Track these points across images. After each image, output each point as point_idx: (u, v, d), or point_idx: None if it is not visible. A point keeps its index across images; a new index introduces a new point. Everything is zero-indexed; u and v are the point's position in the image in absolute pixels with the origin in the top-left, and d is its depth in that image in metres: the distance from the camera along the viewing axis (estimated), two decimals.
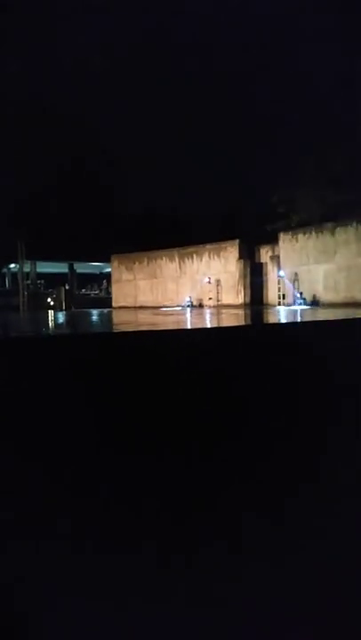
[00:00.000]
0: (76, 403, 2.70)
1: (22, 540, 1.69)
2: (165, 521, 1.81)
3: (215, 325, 7.01)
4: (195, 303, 21.16)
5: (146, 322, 8.39)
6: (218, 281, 20.87)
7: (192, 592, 1.48)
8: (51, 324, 8.39)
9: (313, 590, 1.51)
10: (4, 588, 1.54)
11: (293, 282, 18.29)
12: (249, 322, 8.13)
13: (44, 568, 1.58)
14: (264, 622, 1.40)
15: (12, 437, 2.24)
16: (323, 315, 9.81)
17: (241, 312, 13.02)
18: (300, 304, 17.34)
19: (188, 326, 6.98)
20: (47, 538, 1.68)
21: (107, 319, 11.20)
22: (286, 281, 18.60)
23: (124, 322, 8.90)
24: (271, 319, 9.00)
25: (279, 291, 18.78)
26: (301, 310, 13.44)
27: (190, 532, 1.76)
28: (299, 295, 17.80)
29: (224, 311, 14.31)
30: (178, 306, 21.11)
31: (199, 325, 7.27)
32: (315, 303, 17.24)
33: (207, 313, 13.47)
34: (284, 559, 1.64)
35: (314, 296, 17.46)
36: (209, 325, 7.01)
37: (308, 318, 8.70)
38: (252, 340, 4.48)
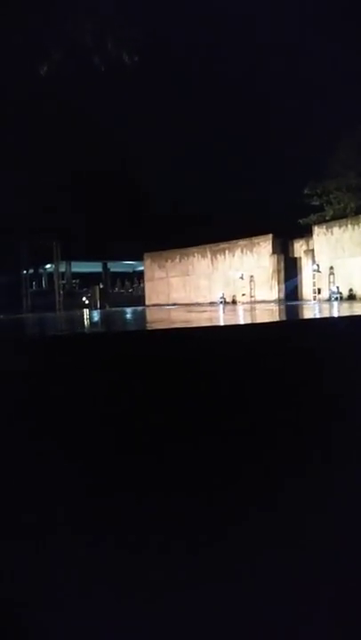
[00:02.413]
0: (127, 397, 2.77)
1: (23, 539, 1.73)
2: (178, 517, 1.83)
3: (247, 322, 6.97)
4: (228, 299, 21.06)
5: (180, 319, 8.43)
6: (251, 276, 20.68)
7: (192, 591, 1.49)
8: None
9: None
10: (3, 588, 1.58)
11: (329, 276, 17.91)
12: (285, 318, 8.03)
13: (45, 565, 1.62)
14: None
15: (57, 436, 2.31)
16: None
17: (275, 308, 12.86)
18: (337, 298, 16.97)
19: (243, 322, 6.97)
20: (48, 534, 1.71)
21: (142, 317, 11.33)
22: (321, 275, 18.22)
23: (157, 320, 8.99)
24: (309, 315, 8.86)
25: (314, 285, 18.41)
26: (339, 305, 13.15)
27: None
28: (335, 289, 17.41)
29: (258, 307, 14.19)
30: (211, 302, 21.07)
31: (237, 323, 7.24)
32: (351, 297, 16.83)
33: (240, 309, 13.38)
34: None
35: (350, 290, 17.05)
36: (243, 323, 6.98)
37: (346, 313, 8.52)
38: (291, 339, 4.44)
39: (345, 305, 13.01)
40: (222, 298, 21.11)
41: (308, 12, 14.66)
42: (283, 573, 1.45)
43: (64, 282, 28.52)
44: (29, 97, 12.10)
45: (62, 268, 28.09)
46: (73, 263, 29.91)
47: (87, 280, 29.84)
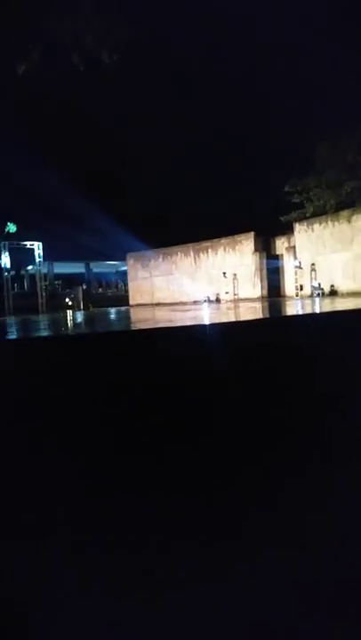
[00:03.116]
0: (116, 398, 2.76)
1: (24, 539, 1.73)
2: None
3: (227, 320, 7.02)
4: (211, 298, 21.14)
5: (165, 319, 8.45)
6: (234, 275, 20.80)
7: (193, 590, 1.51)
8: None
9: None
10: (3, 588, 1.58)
11: (311, 272, 18.12)
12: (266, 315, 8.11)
13: (45, 563, 1.62)
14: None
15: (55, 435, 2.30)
16: (341, 305, 9.72)
17: (258, 305, 12.97)
18: (318, 294, 17.18)
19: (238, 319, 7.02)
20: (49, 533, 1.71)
21: (125, 317, 11.30)
22: (303, 271, 18.43)
23: (141, 319, 8.99)
24: (291, 311, 8.96)
25: (296, 282, 18.62)
26: (321, 301, 13.32)
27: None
28: (317, 285, 17.63)
29: (242, 305, 14.27)
30: (195, 301, 21.13)
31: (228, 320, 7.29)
32: (333, 293, 17.07)
33: (224, 308, 13.46)
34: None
35: (332, 286, 17.29)
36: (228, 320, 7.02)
37: (326, 309, 8.64)
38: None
39: (327, 301, 13.19)
40: (206, 296, 21.19)
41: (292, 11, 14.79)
42: (282, 573, 1.46)
43: (47, 283, 28.23)
44: (14, 95, 11.99)
45: (44, 269, 27.81)
46: (55, 264, 29.63)
47: (70, 281, 29.61)
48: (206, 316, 8.85)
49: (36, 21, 8.72)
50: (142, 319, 8.92)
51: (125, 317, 10.92)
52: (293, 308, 9.76)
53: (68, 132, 18.96)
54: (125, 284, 27.70)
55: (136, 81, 17.51)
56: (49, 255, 26.00)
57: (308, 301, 13.69)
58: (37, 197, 21.82)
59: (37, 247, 23.73)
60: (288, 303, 13.39)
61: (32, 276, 28.68)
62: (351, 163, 17.52)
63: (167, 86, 18.80)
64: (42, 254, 24.19)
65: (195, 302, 20.74)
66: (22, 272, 30.39)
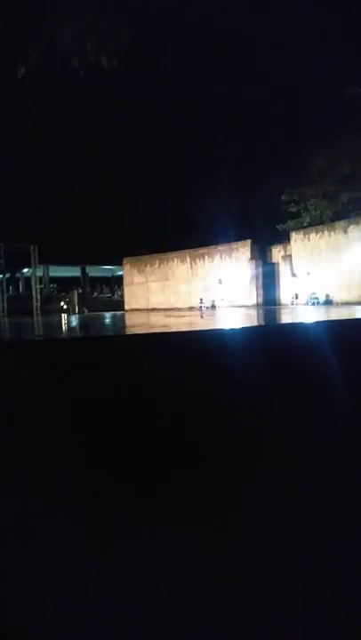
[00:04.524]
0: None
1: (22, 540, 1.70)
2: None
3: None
4: (207, 304, 21.16)
5: (160, 324, 8.43)
6: (230, 282, 20.85)
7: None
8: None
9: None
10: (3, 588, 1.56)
11: (306, 281, 18.20)
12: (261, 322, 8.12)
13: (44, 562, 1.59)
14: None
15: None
16: (336, 314, 9.75)
17: (254, 313, 12.99)
18: (314, 303, 17.25)
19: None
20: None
21: (121, 322, 11.27)
22: (299, 280, 18.51)
23: (135, 325, 8.97)
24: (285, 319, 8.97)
25: (292, 290, 18.69)
26: (316, 310, 13.36)
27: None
28: (312, 295, 17.71)
29: (237, 312, 14.28)
30: (190, 307, 21.14)
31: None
32: (328, 302, 17.14)
33: (219, 314, 13.47)
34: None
35: (327, 295, 17.36)
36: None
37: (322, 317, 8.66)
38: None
39: (322, 310, 13.24)
40: (201, 303, 21.21)
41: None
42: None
43: (42, 286, 28.16)
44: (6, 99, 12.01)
45: (40, 272, 27.75)
46: (51, 267, 29.58)
47: (66, 284, 29.55)
48: (199, 323, 8.84)
49: (35, 25, 8.79)
50: (131, 325, 8.90)
51: (116, 323, 10.89)
52: (289, 317, 9.78)
53: (64, 135, 19.00)
54: (121, 289, 27.68)
55: (133, 88, 17.62)
56: (44, 258, 25.96)
57: (302, 310, 13.74)
58: (31, 198, 21.80)
59: (33, 250, 23.70)
60: (284, 311, 13.42)
61: (27, 279, 28.62)
62: (348, 174, 17.70)
63: (164, 95, 18.93)
64: (37, 257, 24.15)
65: (190, 308, 20.75)
66: (17, 275, 30.32)
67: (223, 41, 15.91)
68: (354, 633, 1.32)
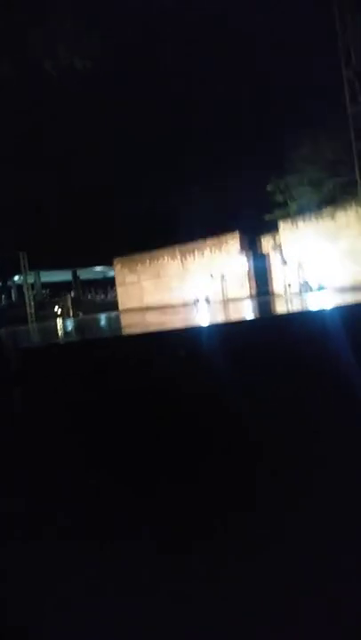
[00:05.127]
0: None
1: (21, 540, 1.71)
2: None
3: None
4: (201, 299, 21.19)
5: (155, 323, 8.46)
6: (222, 275, 20.88)
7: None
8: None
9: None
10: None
11: (298, 270, 18.28)
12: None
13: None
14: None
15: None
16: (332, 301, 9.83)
17: (246, 305, 13.06)
18: (307, 291, 17.33)
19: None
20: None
21: (116, 323, 11.30)
22: (290, 270, 18.57)
23: (132, 324, 9.00)
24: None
25: (285, 280, 18.74)
26: (310, 298, 13.45)
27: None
28: (305, 283, 17.78)
29: (232, 306, 14.35)
30: (184, 304, 21.16)
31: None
32: (321, 289, 17.23)
33: (213, 309, 13.53)
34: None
35: (319, 282, 17.44)
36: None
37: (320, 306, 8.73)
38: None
39: (315, 297, 13.33)
40: (195, 298, 21.23)
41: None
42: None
43: (34, 293, 28.05)
44: None
45: (31, 279, 27.62)
46: (42, 273, 29.45)
47: (58, 289, 29.46)
48: (191, 319, 8.89)
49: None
50: (127, 326, 8.93)
51: (111, 324, 10.91)
52: (285, 307, 9.85)
53: (46, 139, 18.89)
54: (114, 290, 27.65)
55: (119, 80, 17.52)
56: (34, 264, 25.85)
57: (295, 300, 13.83)
58: (16, 204, 21.66)
59: (22, 257, 23.59)
60: (278, 302, 13.50)
61: (20, 287, 28.50)
62: (332, 160, 17.74)
63: (150, 87, 18.85)
64: (27, 264, 24.06)
65: (184, 305, 20.78)
66: (9, 283, 30.16)
67: (206, 29, 15.86)
68: (354, 633, 1.33)
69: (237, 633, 1.35)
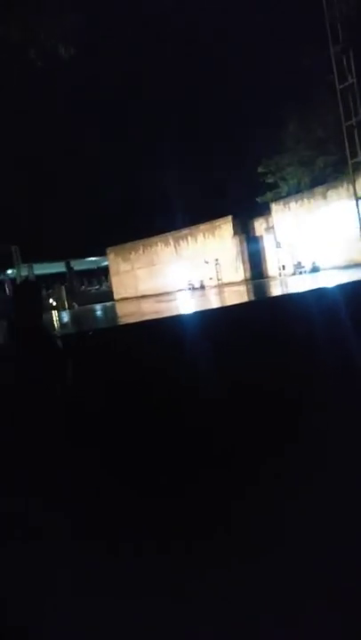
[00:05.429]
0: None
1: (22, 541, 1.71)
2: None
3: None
4: (196, 285, 21.15)
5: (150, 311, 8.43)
6: (216, 260, 20.82)
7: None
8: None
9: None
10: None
11: (291, 251, 18.23)
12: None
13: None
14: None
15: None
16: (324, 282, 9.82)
17: (243, 289, 13.04)
18: (301, 272, 17.32)
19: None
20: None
21: (113, 313, 11.27)
22: (284, 251, 18.52)
23: (129, 314, 8.98)
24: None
25: (279, 262, 18.71)
26: (305, 278, 13.44)
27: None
28: (298, 264, 17.76)
29: (227, 290, 14.31)
30: (179, 290, 21.12)
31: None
32: (315, 270, 17.20)
33: (208, 295, 13.50)
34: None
35: (313, 263, 17.42)
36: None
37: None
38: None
39: (310, 278, 13.32)
40: (190, 284, 21.20)
41: None
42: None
43: None
44: None
45: (24, 272, 27.47)
46: (35, 265, 29.28)
47: (52, 281, 29.33)
48: (190, 305, 8.88)
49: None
50: (124, 315, 8.91)
51: (108, 314, 10.90)
52: (279, 290, 9.84)
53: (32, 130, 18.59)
54: (108, 279, 27.56)
55: (106, 66, 17.18)
56: (27, 257, 25.70)
57: (289, 281, 13.81)
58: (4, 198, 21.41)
59: (14, 250, 23.43)
60: (273, 284, 13.48)
61: (13, 280, 28.33)
62: (321, 138, 17.56)
63: (139, 72, 18.52)
64: (19, 257, 23.92)
65: (179, 291, 20.75)
66: (2, 277, 29.98)
67: (191, 9, 15.55)
68: (354, 633, 1.33)
69: (237, 633, 1.36)
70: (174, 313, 7.03)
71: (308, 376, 2.79)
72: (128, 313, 9.32)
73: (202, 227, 21.45)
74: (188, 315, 6.10)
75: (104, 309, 14.18)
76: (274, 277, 18.48)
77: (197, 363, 3.02)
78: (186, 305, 8.88)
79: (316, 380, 2.73)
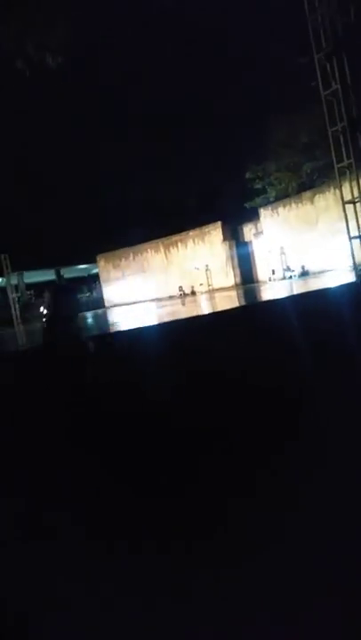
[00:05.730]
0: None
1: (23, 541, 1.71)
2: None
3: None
4: (186, 291, 21.20)
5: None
6: (206, 266, 20.90)
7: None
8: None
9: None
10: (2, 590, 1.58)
11: (281, 255, 18.37)
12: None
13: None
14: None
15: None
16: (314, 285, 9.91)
17: (234, 294, 13.10)
18: (291, 277, 17.45)
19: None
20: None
21: (104, 321, 11.26)
22: (273, 256, 18.65)
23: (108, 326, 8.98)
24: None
25: (268, 266, 18.84)
26: (294, 283, 13.54)
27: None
28: (288, 268, 17.89)
29: (217, 296, 14.35)
30: (170, 296, 21.16)
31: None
32: (305, 274, 17.35)
33: (199, 300, 13.53)
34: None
35: (303, 267, 17.57)
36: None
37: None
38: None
39: (300, 282, 13.43)
40: (181, 290, 21.24)
41: None
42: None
43: (18, 294, 27.74)
44: None
45: (14, 281, 27.31)
46: (25, 273, 29.13)
47: (42, 290, 29.15)
48: (179, 312, 8.92)
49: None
50: (116, 322, 8.92)
51: (99, 323, 10.89)
52: (270, 294, 9.91)
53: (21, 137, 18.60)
54: (99, 286, 27.51)
55: (94, 73, 17.26)
56: (17, 266, 25.51)
57: (277, 285, 13.90)
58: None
59: (4, 259, 23.27)
60: (263, 288, 13.57)
61: (3, 289, 28.14)
62: (307, 143, 17.77)
63: (128, 78, 18.62)
64: (9, 265, 23.72)
65: (170, 297, 20.78)
66: None
67: (178, 12, 15.69)
68: (354, 632, 1.33)
69: (237, 633, 1.36)
70: (165, 320, 7.06)
71: (293, 374, 2.84)
72: (121, 320, 9.34)
73: (191, 233, 21.55)
74: (176, 322, 6.14)
75: (95, 317, 14.15)
76: (264, 282, 18.60)
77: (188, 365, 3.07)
78: (175, 312, 8.92)
79: (295, 379, 2.77)
